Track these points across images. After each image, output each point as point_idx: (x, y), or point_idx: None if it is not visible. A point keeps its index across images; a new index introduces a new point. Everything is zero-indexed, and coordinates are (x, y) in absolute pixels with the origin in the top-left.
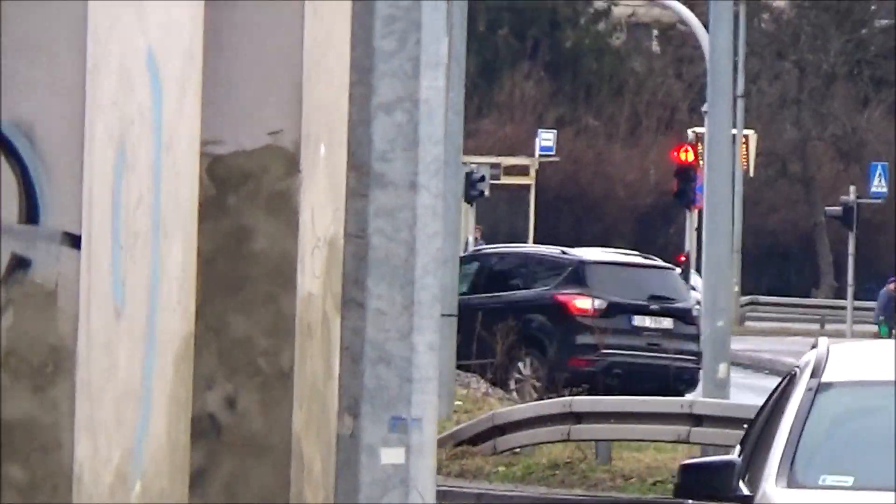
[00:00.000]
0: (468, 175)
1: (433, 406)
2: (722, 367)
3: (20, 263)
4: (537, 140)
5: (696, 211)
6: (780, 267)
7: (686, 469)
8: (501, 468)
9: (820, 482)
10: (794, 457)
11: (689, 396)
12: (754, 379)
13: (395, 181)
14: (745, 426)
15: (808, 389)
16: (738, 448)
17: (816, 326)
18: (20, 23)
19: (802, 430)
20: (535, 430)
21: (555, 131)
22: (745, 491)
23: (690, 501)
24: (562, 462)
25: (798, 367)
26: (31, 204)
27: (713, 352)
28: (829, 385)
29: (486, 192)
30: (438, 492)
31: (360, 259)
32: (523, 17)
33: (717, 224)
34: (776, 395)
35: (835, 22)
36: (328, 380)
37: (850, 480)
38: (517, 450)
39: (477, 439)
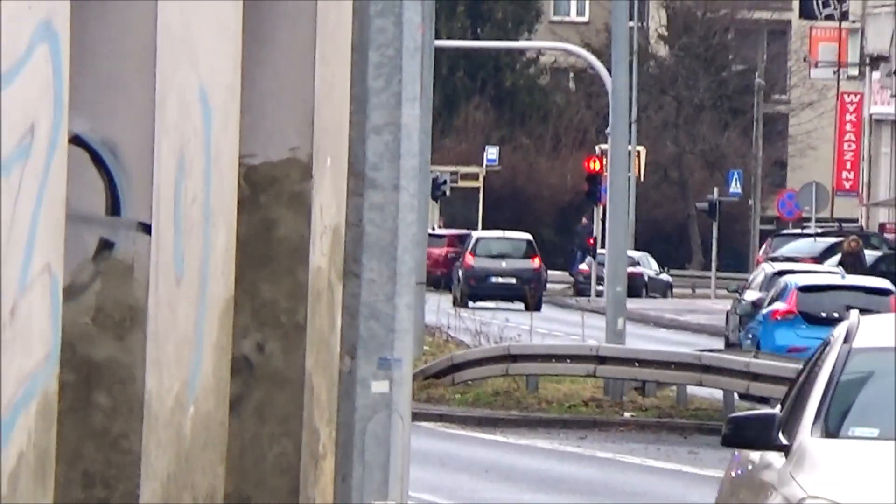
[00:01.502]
0: (434, 180)
1: (410, 350)
2: (620, 321)
3: (106, 245)
4: (485, 154)
5: (602, 206)
6: (663, 247)
7: (732, 421)
8: (458, 395)
9: (850, 433)
10: (827, 411)
11: (594, 342)
12: (644, 330)
13: (383, 184)
14: (637, 364)
15: (841, 354)
16: (779, 406)
17: (689, 290)
18: (106, 64)
19: (835, 388)
20: (483, 367)
21: (498, 147)
22: (784, 441)
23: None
24: (502, 391)
25: (833, 335)
26: (114, 201)
27: (614, 309)
28: (858, 350)
29: (447, 193)
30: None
31: (357, 242)
32: (475, 63)
33: (616, 216)
34: (812, 359)
35: (703, 67)
36: (332, 331)
37: (875, 432)
38: (469, 382)
39: (440, 374)
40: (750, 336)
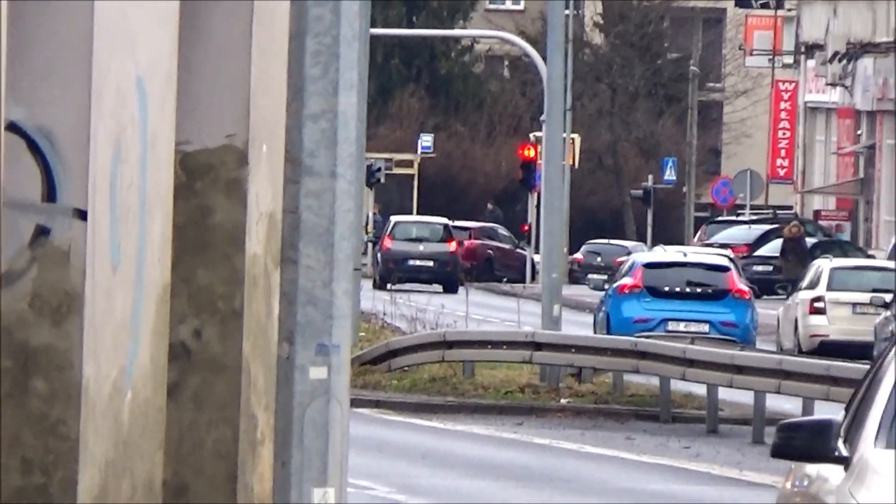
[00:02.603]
0: (369, 167)
1: (348, 336)
2: (556, 308)
3: (42, 231)
4: (419, 141)
5: (536, 193)
6: (598, 234)
7: (785, 429)
8: (394, 381)
9: None
10: (893, 420)
11: (530, 328)
12: (579, 317)
13: (320, 171)
14: (573, 350)
15: None
16: (842, 413)
17: None
18: (43, 53)
19: None
20: (419, 353)
21: (432, 135)
22: (845, 452)
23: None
24: (438, 377)
25: None
26: (50, 187)
27: (549, 296)
28: None
29: (382, 180)
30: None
31: (294, 228)
32: (410, 51)
33: (551, 203)
34: (878, 362)
35: (638, 55)
36: (269, 317)
37: None
38: (405, 368)
39: (376, 360)
40: (602, 310)
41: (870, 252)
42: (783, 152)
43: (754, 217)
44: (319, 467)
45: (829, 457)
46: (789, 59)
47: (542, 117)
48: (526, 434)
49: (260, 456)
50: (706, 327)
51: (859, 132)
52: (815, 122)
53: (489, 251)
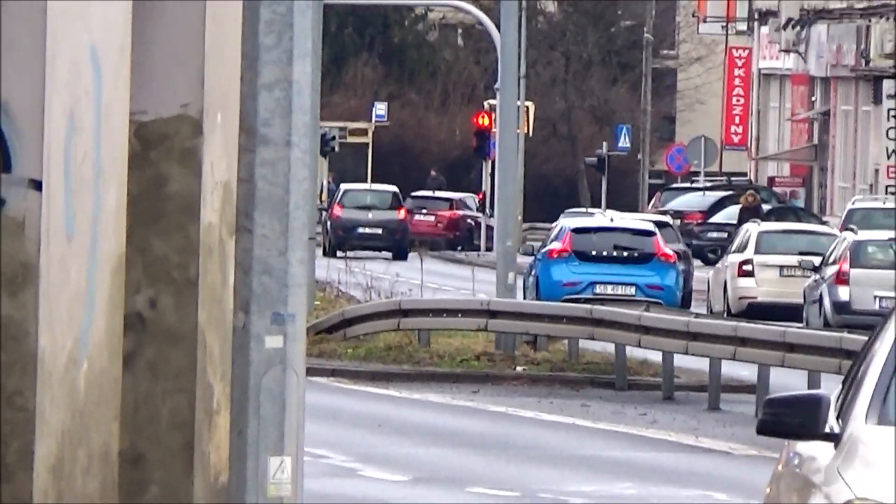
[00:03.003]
0: (323, 136)
1: (303, 305)
2: (510, 276)
3: None
4: (373, 110)
5: (490, 161)
6: (552, 202)
7: (771, 404)
8: (349, 350)
9: None
10: (886, 392)
11: (485, 297)
12: None
13: (274, 140)
14: (528, 318)
15: None
16: (839, 387)
17: None
18: None
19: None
20: (374, 322)
21: (386, 104)
22: (836, 428)
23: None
24: (394, 346)
25: (892, 311)
26: (5, 158)
27: (504, 264)
28: None
29: (336, 148)
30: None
31: (249, 198)
32: (363, 19)
33: (506, 171)
34: (871, 336)
35: (591, 22)
36: (224, 287)
37: None
38: (361, 337)
39: (331, 329)
40: (532, 273)
41: (824, 219)
42: (737, 119)
43: (709, 184)
44: (276, 436)
45: (818, 434)
46: (743, 26)
47: (496, 85)
48: (482, 402)
49: (216, 425)
50: (632, 290)
51: (813, 98)
52: (768, 89)
53: (469, 221)
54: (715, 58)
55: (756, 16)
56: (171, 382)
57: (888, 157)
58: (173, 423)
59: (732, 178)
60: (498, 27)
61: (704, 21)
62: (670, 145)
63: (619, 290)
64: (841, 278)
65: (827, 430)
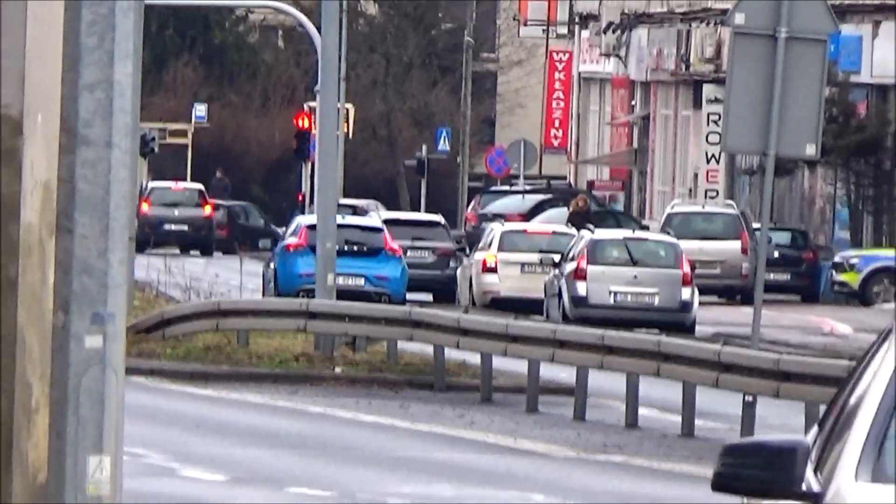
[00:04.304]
0: (143, 137)
1: (123, 305)
2: (330, 277)
3: None
4: (193, 111)
5: (311, 163)
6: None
7: (731, 452)
8: (168, 350)
9: None
10: (881, 441)
11: (304, 298)
12: None
13: (95, 141)
14: (347, 319)
15: None
16: (814, 429)
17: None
18: None
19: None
20: (193, 322)
21: (206, 105)
22: (815, 486)
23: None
24: (213, 346)
25: (891, 330)
26: None
27: (323, 265)
28: None
29: (156, 149)
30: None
31: (69, 198)
32: (184, 20)
33: (326, 173)
34: (860, 365)
35: (412, 25)
36: (44, 286)
37: None
38: (180, 337)
39: (151, 329)
40: (270, 265)
41: (644, 223)
42: (557, 122)
43: (528, 187)
44: (95, 436)
45: (792, 492)
46: (563, 30)
47: (317, 87)
48: (301, 402)
49: (35, 424)
50: (362, 280)
51: (633, 102)
52: (589, 93)
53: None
54: (535, 61)
55: (577, 19)
56: None
57: (708, 162)
58: None
59: (552, 182)
60: (318, 29)
61: (525, 24)
62: (490, 148)
63: (351, 281)
64: (579, 274)
65: (804, 488)
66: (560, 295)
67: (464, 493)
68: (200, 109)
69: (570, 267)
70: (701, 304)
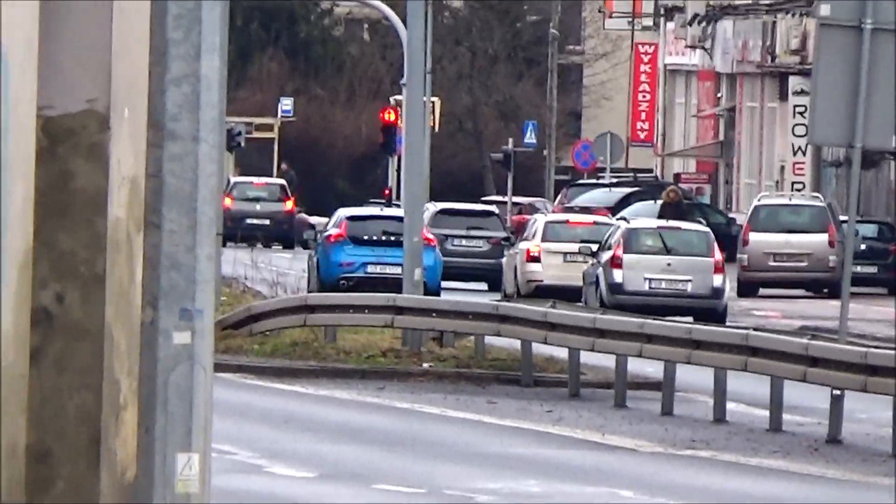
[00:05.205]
0: (229, 131)
1: (211, 301)
2: (417, 272)
3: None
4: (279, 105)
5: (397, 157)
6: (458, 198)
7: None
8: (256, 346)
9: None
10: None
11: (392, 294)
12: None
13: (182, 135)
14: (435, 314)
15: None
16: None
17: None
18: None
19: None
20: (281, 317)
21: (292, 99)
22: None
23: None
24: (300, 342)
25: None
26: None
27: (411, 260)
28: None
29: (242, 144)
30: None
31: (157, 193)
32: (269, 14)
33: (413, 167)
34: None
35: (497, 18)
36: (132, 282)
37: None
38: (267, 333)
39: (238, 325)
40: (314, 256)
41: (731, 215)
42: (643, 115)
43: (615, 180)
44: (183, 432)
45: None
46: (649, 22)
47: (403, 81)
48: (388, 398)
49: (123, 421)
50: (399, 269)
51: (719, 95)
52: (675, 85)
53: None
54: (621, 53)
55: (662, 11)
56: (77, 378)
57: (794, 154)
58: (80, 418)
59: (639, 175)
60: (404, 22)
61: (611, 17)
62: (576, 141)
63: (388, 270)
64: (615, 262)
65: None
66: (597, 283)
67: (551, 490)
68: (287, 103)
69: (606, 255)
70: (787, 297)
